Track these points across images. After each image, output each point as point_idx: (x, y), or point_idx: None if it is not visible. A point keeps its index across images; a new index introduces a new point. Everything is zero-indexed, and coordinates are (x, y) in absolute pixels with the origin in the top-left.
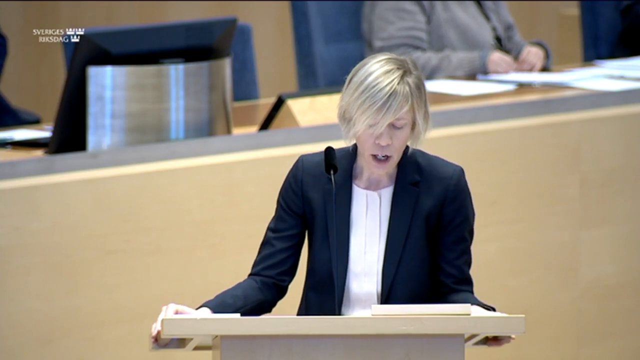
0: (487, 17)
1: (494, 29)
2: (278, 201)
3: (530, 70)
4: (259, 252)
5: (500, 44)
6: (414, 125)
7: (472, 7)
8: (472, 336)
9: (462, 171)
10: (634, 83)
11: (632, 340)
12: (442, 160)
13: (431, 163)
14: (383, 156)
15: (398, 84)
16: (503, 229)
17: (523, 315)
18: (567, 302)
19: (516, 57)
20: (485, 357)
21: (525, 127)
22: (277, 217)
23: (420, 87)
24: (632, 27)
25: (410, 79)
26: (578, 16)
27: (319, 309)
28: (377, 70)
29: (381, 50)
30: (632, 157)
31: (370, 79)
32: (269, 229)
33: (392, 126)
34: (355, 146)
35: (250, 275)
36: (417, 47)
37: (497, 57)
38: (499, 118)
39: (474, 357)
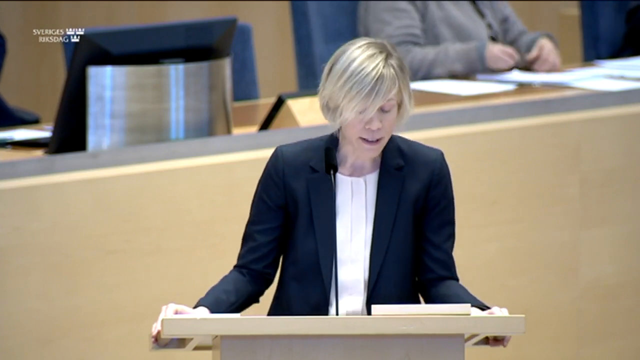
0: (482, 15)
1: (489, 26)
2: (257, 194)
3: (550, 70)
4: (242, 246)
5: (495, 41)
6: (399, 106)
7: (466, 6)
8: (472, 336)
9: (443, 155)
10: (634, 83)
11: (632, 340)
12: (422, 145)
13: (413, 148)
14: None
15: (384, 67)
16: (503, 229)
17: (523, 315)
18: (567, 302)
19: (528, 51)
20: (485, 357)
21: (525, 127)
22: (258, 210)
23: (402, 67)
24: (636, 28)
25: (393, 61)
26: (578, 16)
27: (303, 299)
28: (359, 55)
29: None
30: (632, 157)
31: (355, 64)
32: (250, 222)
33: (381, 110)
34: (335, 134)
35: (235, 267)
36: (416, 44)
37: (497, 50)
38: (499, 118)
39: (474, 357)
